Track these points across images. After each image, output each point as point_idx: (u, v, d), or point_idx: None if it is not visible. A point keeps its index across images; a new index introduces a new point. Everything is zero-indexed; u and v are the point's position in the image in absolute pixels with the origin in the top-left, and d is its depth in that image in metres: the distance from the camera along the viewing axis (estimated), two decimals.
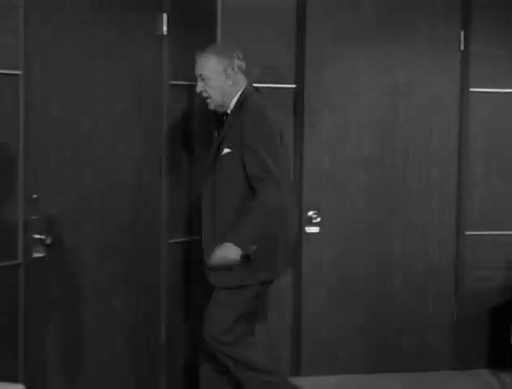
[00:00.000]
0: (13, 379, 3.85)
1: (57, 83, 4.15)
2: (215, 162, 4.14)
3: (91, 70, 4.32)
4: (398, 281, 5.48)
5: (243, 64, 4.17)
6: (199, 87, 4.16)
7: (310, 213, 5.28)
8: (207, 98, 4.18)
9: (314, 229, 5.31)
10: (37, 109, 4.08)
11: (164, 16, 4.66)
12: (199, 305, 4.74)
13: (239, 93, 4.15)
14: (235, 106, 4.13)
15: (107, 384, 4.54)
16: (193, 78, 4.91)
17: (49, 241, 4.11)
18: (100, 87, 4.36)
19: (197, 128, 5.02)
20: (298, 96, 5.25)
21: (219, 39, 5.11)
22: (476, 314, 5.57)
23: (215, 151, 4.17)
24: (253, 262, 4.10)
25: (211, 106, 4.20)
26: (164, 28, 4.67)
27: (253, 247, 4.05)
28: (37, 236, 4.08)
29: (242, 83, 4.18)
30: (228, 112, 4.18)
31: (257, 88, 4.32)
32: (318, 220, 5.29)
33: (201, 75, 4.15)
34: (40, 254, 4.10)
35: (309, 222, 5.28)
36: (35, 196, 4.07)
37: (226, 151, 4.08)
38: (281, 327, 5.36)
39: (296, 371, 5.38)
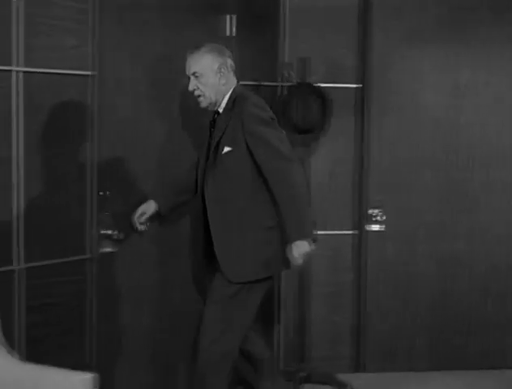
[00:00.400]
0: (85, 369, 3.97)
1: (128, 83, 4.27)
2: (214, 162, 4.05)
3: (159, 71, 4.44)
4: (462, 281, 5.46)
5: (233, 63, 4.15)
6: (192, 85, 4.08)
7: (374, 212, 5.32)
8: (199, 96, 4.10)
9: (378, 228, 5.34)
10: (108, 108, 4.21)
11: (233, 18, 4.75)
12: None
13: (230, 91, 4.10)
14: (227, 104, 4.08)
15: (173, 374, 4.64)
16: (259, 78, 5.02)
17: (118, 236, 4.23)
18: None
19: None
20: (362, 95, 5.28)
21: (283, 39, 5.17)
22: None
23: (212, 151, 4.08)
24: (268, 255, 4.06)
25: (203, 104, 4.12)
26: (233, 29, 4.75)
27: (315, 231, 4.08)
28: (106, 231, 4.21)
29: (233, 81, 4.13)
30: (220, 111, 4.12)
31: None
32: (382, 218, 5.32)
33: (194, 73, 4.07)
34: (109, 250, 4.22)
35: (373, 221, 5.32)
36: (101, 193, 4.19)
37: (227, 149, 4.00)
38: (343, 324, 5.40)
39: (358, 368, 5.41)
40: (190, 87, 4.08)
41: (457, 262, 5.45)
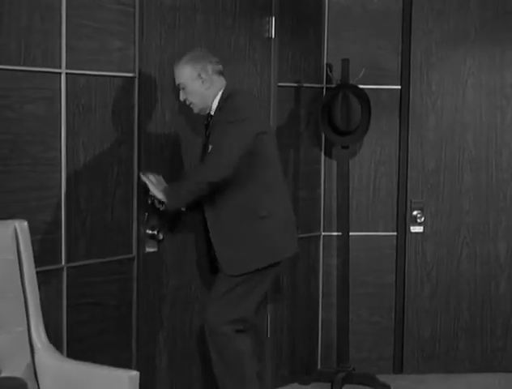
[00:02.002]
0: (127, 367, 4.02)
1: (170, 86, 4.32)
2: None
3: None
4: (503, 283, 5.45)
5: (217, 66, 4.16)
6: (181, 95, 4.17)
7: (415, 213, 5.32)
8: (190, 104, 4.18)
9: (419, 229, 5.34)
10: (150, 110, 4.26)
11: (273, 19, 4.78)
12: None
13: (220, 94, 4.14)
14: (217, 106, 4.14)
15: (207, 376, 4.69)
16: (300, 79, 5.05)
17: (160, 236, 4.28)
18: None
19: (303, 129, 5.13)
20: (403, 97, 5.28)
21: (325, 41, 5.19)
22: None
23: (202, 151, 4.23)
24: (263, 245, 4.13)
25: (195, 111, 4.20)
26: (273, 31, 4.78)
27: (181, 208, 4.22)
28: (150, 231, 4.26)
29: (220, 84, 4.16)
30: (212, 113, 4.18)
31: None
32: (423, 219, 5.31)
33: (179, 85, 4.16)
34: (153, 249, 4.27)
35: (414, 221, 5.31)
36: (149, 202, 4.23)
37: (210, 148, 4.08)
38: (384, 326, 5.40)
39: (399, 369, 5.41)
40: (180, 98, 4.19)
41: (497, 264, 5.43)
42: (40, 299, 3.48)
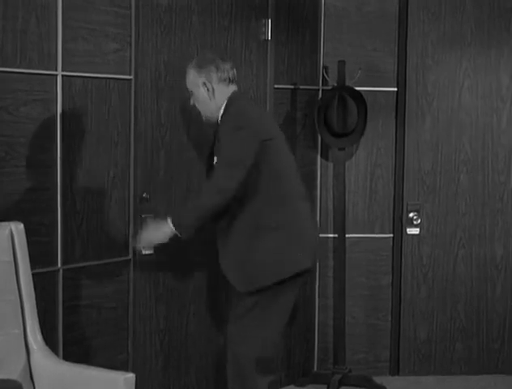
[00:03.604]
0: (123, 369, 4.03)
1: (165, 87, 4.32)
2: (211, 172, 3.96)
3: None
4: (499, 285, 5.46)
5: (224, 74, 3.97)
6: (191, 100, 4.04)
7: (411, 215, 5.32)
8: (199, 110, 4.05)
9: (415, 231, 5.34)
10: (146, 112, 4.27)
11: (269, 21, 4.78)
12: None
13: (225, 102, 3.95)
14: (222, 115, 3.95)
15: (208, 377, 4.69)
16: (296, 81, 5.05)
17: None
18: None
19: (300, 131, 5.14)
20: (400, 99, 5.29)
21: (321, 43, 5.19)
22: None
23: (208, 161, 4.06)
24: (275, 258, 3.88)
25: (203, 118, 4.06)
26: (269, 33, 4.79)
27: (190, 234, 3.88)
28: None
29: (226, 91, 3.97)
30: (219, 122, 3.99)
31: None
32: (419, 221, 5.32)
33: (188, 90, 4.04)
34: (150, 252, 4.26)
35: (411, 223, 5.32)
36: (145, 195, 4.25)
37: (215, 159, 3.93)
38: (380, 327, 5.41)
39: (395, 371, 5.42)
40: (191, 103, 4.06)
41: (493, 265, 5.44)
42: (36, 301, 3.47)
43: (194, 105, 4.04)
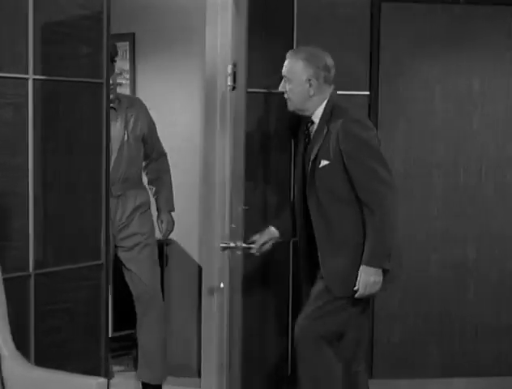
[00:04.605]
0: (96, 374, 4.00)
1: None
2: (313, 176, 3.98)
3: None
4: (473, 287, 5.46)
5: (331, 75, 4.02)
6: (281, 86, 4.03)
7: None
8: (288, 99, 4.05)
9: None
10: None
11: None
12: None
13: (325, 102, 3.98)
14: (323, 116, 3.96)
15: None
16: (270, 85, 5.05)
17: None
18: None
19: (272, 135, 5.13)
20: (372, 103, 5.30)
21: (295, 45, 5.19)
22: None
23: (310, 164, 4.00)
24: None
25: (290, 108, 4.06)
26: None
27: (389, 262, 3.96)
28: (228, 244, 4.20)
29: (326, 92, 4.00)
30: (315, 121, 4.02)
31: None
32: None
33: (285, 76, 4.02)
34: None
35: None
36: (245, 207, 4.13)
37: (324, 163, 3.93)
38: None
39: (368, 374, 5.39)
40: (280, 88, 4.04)
41: (467, 269, 5.45)
42: (8, 306, 3.45)
43: (283, 93, 4.01)
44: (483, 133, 5.41)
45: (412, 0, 5.30)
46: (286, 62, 4.02)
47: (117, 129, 4.70)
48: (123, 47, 5.93)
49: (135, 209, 4.81)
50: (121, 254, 4.75)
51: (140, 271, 4.72)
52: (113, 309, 5.16)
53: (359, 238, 3.94)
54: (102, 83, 4.16)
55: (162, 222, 5.02)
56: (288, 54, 4.02)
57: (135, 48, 5.94)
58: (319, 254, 4.02)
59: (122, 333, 5.31)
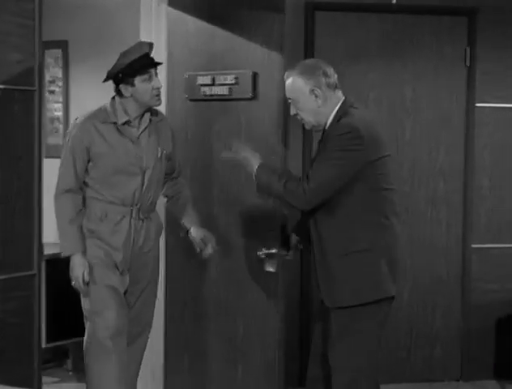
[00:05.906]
0: (29, 385, 3.96)
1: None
2: None
3: None
4: (404, 294, 5.51)
5: (332, 80, 3.84)
6: (291, 110, 3.87)
7: None
8: (302, 120, 3.87)
9: None
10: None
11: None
12: None
13: (335, 110, 3.81)
14: (331, 124, 3.80)
15: None
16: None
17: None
18: None
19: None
20: None
21: None
22: (483, 326, 5.61)
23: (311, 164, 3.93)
24: (372, 278, 3.86)
25: (308, 127, 3.90)
26: None
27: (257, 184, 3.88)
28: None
29: (335, 99, 3.83)
30: (326, 129, 3.84)
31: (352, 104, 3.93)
32: None
33: (289, 99, 3.86)
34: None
35: None
36: None
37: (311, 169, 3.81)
38: (290, 340, 5.41)
39: (298, 382, 5.39)
40: (291, 112, 3.90)
41: (399, 275, 5.49)
42: None
43: (295, 115, 3.88)
44: (415, 141, 5.48)
45: (346, 9, 5.35)
46: (286, 85, 3.88)
47: (151, 144, 4.15)
48: (55, 54, 5.88)
49: (157, 234, 4.30)
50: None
51: (145, 310, 4.25)
52: (47, 320, 5.09)
53: (360, 244, 3.82)
54: (34, 91, 4.11)
55: (203, 237, 4.32)
56: (284, 77, 3.90)
57: (69, 55, 5.89)
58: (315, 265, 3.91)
59: (57, 343, 5.24)
